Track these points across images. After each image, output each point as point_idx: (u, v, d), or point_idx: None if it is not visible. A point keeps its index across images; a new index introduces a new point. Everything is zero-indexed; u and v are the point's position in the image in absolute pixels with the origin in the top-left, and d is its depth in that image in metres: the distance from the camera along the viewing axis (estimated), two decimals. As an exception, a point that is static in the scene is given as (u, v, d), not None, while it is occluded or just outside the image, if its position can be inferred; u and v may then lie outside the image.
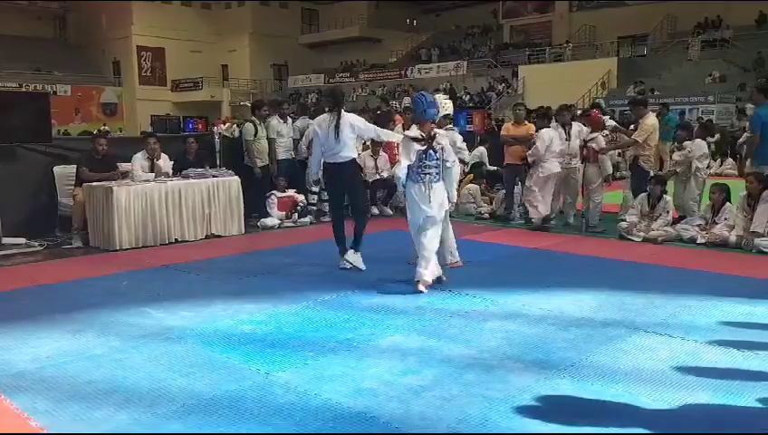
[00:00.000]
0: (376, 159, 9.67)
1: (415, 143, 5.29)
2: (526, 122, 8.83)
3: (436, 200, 5.36)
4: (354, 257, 5.99)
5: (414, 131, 5.38)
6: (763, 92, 7.66)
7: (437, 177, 5.37)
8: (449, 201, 5.54)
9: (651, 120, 8.23)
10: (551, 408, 3.14)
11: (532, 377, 3.48)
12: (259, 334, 4.22)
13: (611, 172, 8.10)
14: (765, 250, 6.60)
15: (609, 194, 8.73)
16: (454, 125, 6.49)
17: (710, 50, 26.48)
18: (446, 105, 6.34)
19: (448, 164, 5.40)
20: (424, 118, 5.37)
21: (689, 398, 3.21)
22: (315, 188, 9.07)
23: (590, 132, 8.17)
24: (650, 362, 3.69)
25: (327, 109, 6.04)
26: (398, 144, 9.42)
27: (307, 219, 8.88)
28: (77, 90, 37.27)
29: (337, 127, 5.79)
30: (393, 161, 9.63)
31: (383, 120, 10.67)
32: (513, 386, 3.36)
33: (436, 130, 5.41)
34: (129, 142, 10.12)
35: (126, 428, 2.95)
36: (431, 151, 5.31)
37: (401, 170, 5.34)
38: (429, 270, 5.26)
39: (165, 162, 8.03)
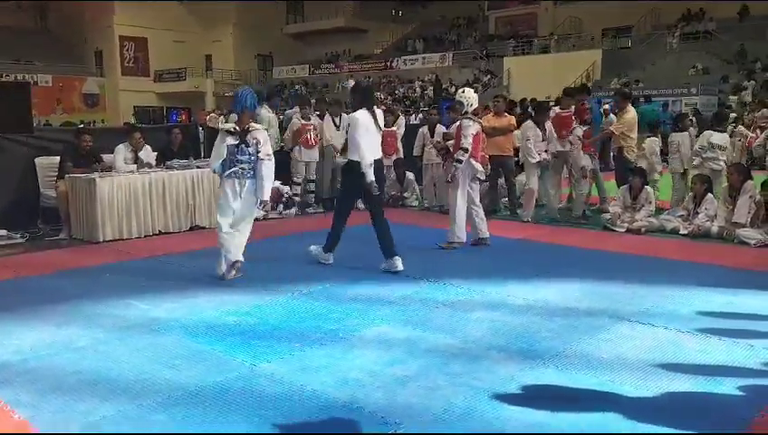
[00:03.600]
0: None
1: (228, 136, 5.22)
2: (506, 114, 8.85)
3: (247, 198, 5.30)
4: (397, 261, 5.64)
5: (228, 124, 5.41)
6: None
7: (251, 172, 5.25)
8: (258, 199, 5.32)
9: (632, 113, 8.38)
10: (535, 396, 3.17)
11: (516, 366, 3.50)
12: (244, 326, 4.22)
13: (585, 165, 8.13)
14: (746, 240, 6.68)
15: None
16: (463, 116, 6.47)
17: (693, 42, 26.74)
18: (476, 99, 6.51)
19: (261, 155, 5.23)
20: (238, 110, 5.35)
21: (672, 386, 3.25)
22: (298, 179, 9.05)
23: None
24: (633, 350, 3.73)
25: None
26: (392, 135, 9.47)
27: (293, 211, 8.86)
28: (58, 80, 36.85)
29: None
30: (387, 154, 9.58)
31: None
32: (498, 375, 3.38)
33: (252, 124, 5.33)
34: (111, 133, 10.00)
35: (110, 420, 2.94)
36: (243, 145, 5.21)
37: (215, 163, 5.29)
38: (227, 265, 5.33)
39: (147, 153, 7.98)
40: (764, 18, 25.29)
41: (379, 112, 5.63)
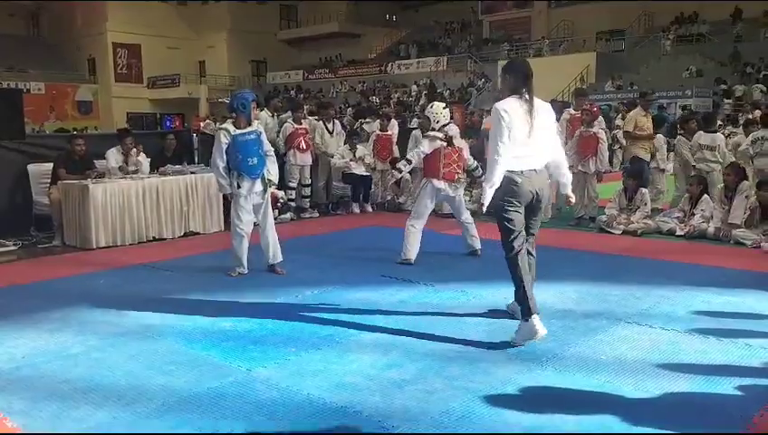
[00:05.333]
0: (354, 152, 9.60)
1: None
2: None
3: None
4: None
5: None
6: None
7: None
8: None
9: (633, 111, 8.50)
10: (533, 399, 3.15)
11: (514, 369, 3.48)
12: (240, 331, 4.18)
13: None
14: (742, 241, 6.69)
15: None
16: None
17: (687, 45, 26.86)
18: (444, 114, 6.08)
19: None
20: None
21: (670, 386, 3.23)
22: (293, 184, 9.00)
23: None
24: (631, 351, 3.72)
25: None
26: (386, 139, 9.45)
27: (287, 216, 8.83)
28: (51, 87, 36.80)
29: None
30: (382, 158, 9.60)
31: (363, 116, 10.65)
32: (496, 378, 3.36)
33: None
34: (104, 140, 9.95)
35: (104, 426, 2.90)
36: None
37: None
38: None
39: (141, 157, 7.95)
40: (757, 20, 25.45)
41: (540, 104, 3.98)
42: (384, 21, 41.70)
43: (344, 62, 40.07)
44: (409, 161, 6.13)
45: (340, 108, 17.15)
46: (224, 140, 5.50)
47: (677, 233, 7.23)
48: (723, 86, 22.29)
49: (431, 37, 38.38)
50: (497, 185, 3.84)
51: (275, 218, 8.59)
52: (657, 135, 8.84)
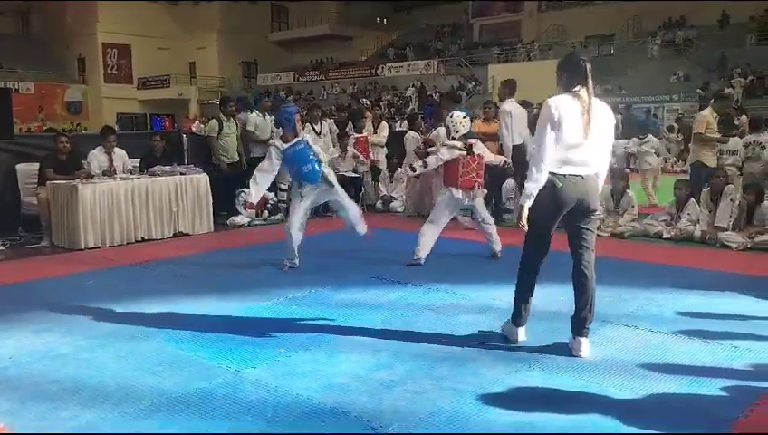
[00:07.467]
0: (344, 156, 9.58)
1: None
2: (495, 120, 8.88)
3: None
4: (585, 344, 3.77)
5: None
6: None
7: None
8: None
9: (705, 111, 8.31)
10: (521, 399, 3.17)
11: (502, 370, 3.50)
12: (229, 332, 4.17)
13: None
14: (729, 244, 6.75)
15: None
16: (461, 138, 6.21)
17: (675, 49, 27.06)
18: (464, 124, 6.09)
19: None
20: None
21: (656, 387, 3.26)
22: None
23: None
24: (619, 353, 3.75)
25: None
26: (364, 141, 9.47)
27: (278, 217, 8.82)
28: (41, 87, 36.57)
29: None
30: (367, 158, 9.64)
31: (354, 117, 10.66)
32: (485, 379, 3.38)
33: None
34: (92, 140, 9.89)
35: (92, 427, 2.90)
36: None
37: None
38: None
39: (122, 157, 7.92)
40: (744, 26, 25.68)
41: (600, 106, 3.59)
42: (375, 23, 41.77)
43: (335, 65, 40.06)
44: (425, 164, 6.16)
45: (331, 110, 17.12)
46: (275, 156, 5.73)
47: (664, 236, 7.28)
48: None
49: (422, 40, 38.47)
50: (539, 186, 3.52)
51: (265, 219, 8.67)
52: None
